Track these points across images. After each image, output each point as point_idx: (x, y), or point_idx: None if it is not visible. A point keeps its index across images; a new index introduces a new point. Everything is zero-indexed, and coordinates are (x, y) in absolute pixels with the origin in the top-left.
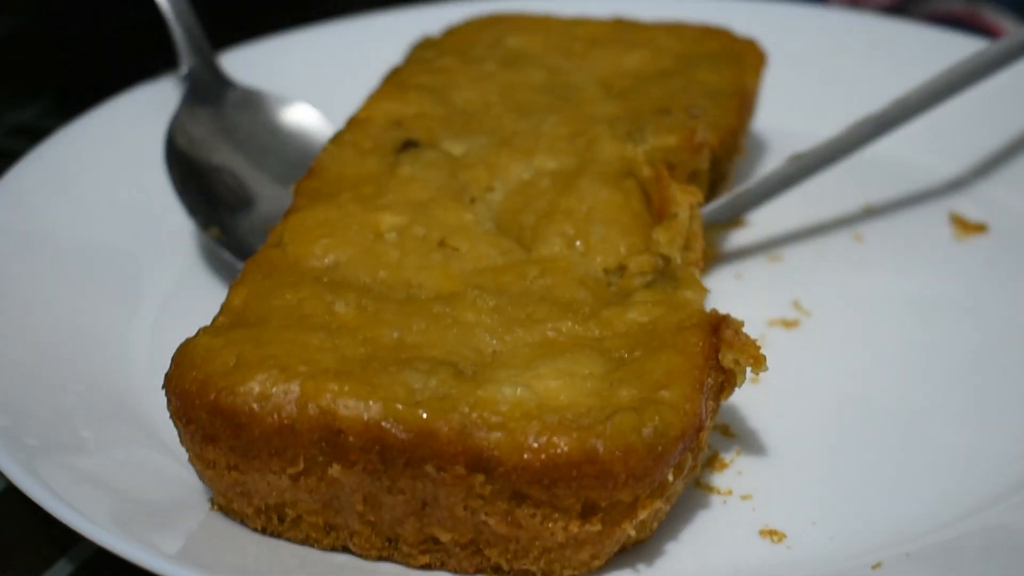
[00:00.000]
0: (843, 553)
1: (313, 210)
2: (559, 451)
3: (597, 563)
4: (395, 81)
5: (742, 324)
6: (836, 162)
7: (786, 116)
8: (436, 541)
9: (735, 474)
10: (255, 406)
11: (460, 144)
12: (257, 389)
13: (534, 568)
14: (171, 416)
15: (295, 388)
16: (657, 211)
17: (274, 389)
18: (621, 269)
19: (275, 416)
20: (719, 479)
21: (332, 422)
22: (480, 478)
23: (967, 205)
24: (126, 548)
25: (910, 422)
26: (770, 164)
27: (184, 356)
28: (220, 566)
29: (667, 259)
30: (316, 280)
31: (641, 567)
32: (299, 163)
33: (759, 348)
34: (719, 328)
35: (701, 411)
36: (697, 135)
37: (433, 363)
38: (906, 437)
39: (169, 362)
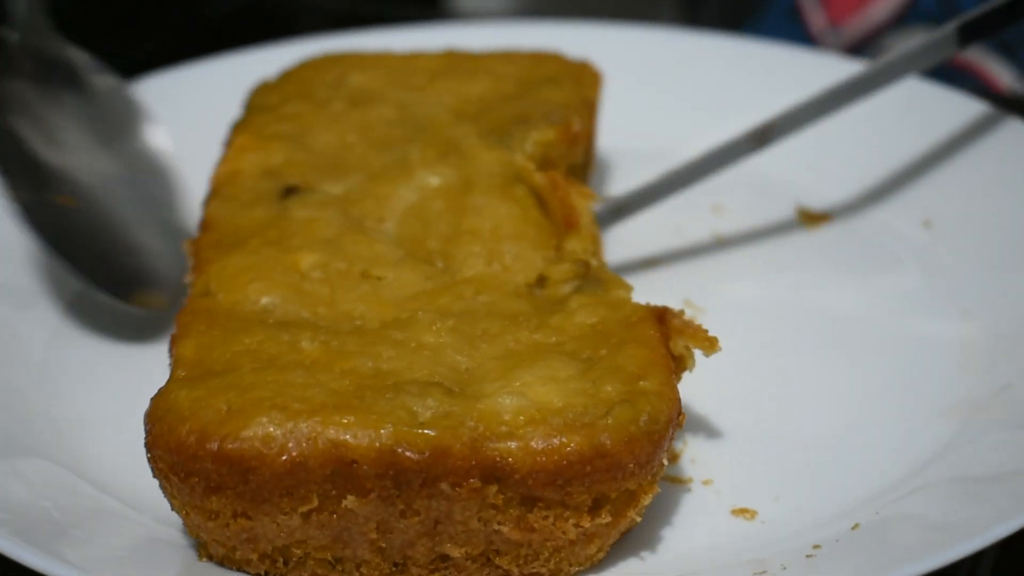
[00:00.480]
0: (814, 521)
1: (231, 258)
2: (570, 450)
3: (601, 555)
4: (249, 132)
5: (684, 312)
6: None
7: (624, 134)
8: (446, 558)
9: (689, 462)
10: (263, 449)
11: (337, 185)
12: (262, 432)
13: (543, 570)
14: (160, 473)
15: (300, 426)
16: (563, 219)
17: (278, 430)
18: (542, 280)
19: (285, 456)
20: (675, 469)
21: (344, 454)
22: (494, 488)
23: (810, 199)
24: None
25: (833, 397)
26: (616, 181)
27: (168, 411)
28: None
29: (586, 264)
30: (262, 323)
31: (644, 554)
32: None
33: (708, 332)
34: (664, 318)
35: (678, 394)
36: (573, 126)
37: (420, 385)
38: (835, 410)
39: (144, 421)
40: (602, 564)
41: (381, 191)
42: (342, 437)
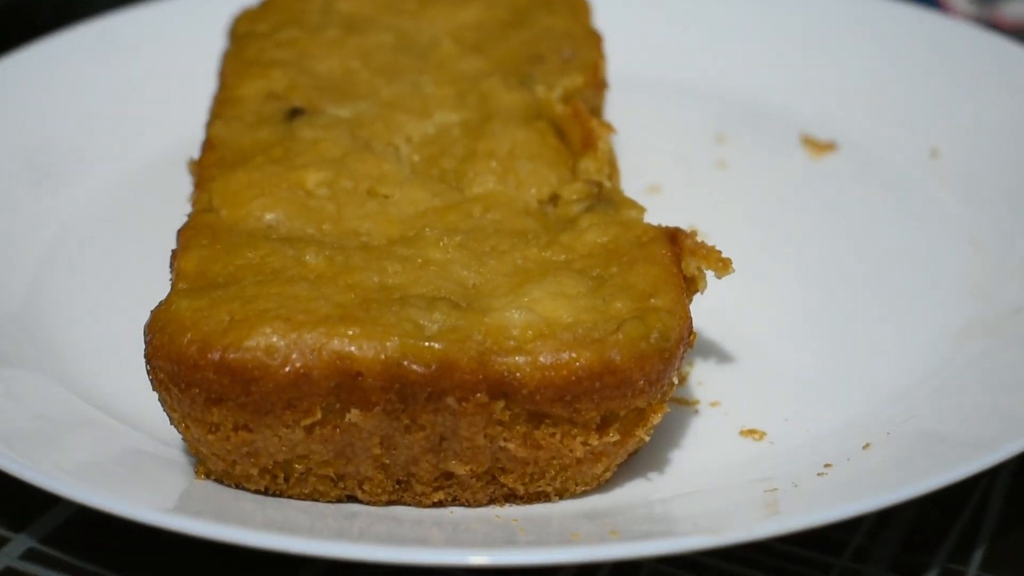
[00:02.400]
0: (825, 441)
1: (234, 174)
2: (579, 365)
3: (608, 475)
4: (245, 59)
5: (696, 233)
6: None
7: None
8: (450, 476)
9: (696, 384)
10: (266, 359)
11: (345, 109)
12: (265, 342)
13: (549, 489)
14: (160, 385)
15: (305, 337)
16: (581, 143)
17: (282, 340)
18: (555, 199)
19: (288, 367)
20: (683, 391)
21: (349, 366)
22: (500, 404)
23: (815, 128)
24: (120, 505)
25: (842, 320)
26: (623, 97)
27: (169, 321)
28: (228, 517)
29: (599, 185)
30: (266, 238)
31: (652, 475)
32: None
33: (721, 253)
34: (677, 238)
35: (690, 313)
36: (600, 72)
37: (427, 299)
38: (843, 334)
39: (144, 332)
40: (608, 484)
41: (394, 118)
42: (347, 348)
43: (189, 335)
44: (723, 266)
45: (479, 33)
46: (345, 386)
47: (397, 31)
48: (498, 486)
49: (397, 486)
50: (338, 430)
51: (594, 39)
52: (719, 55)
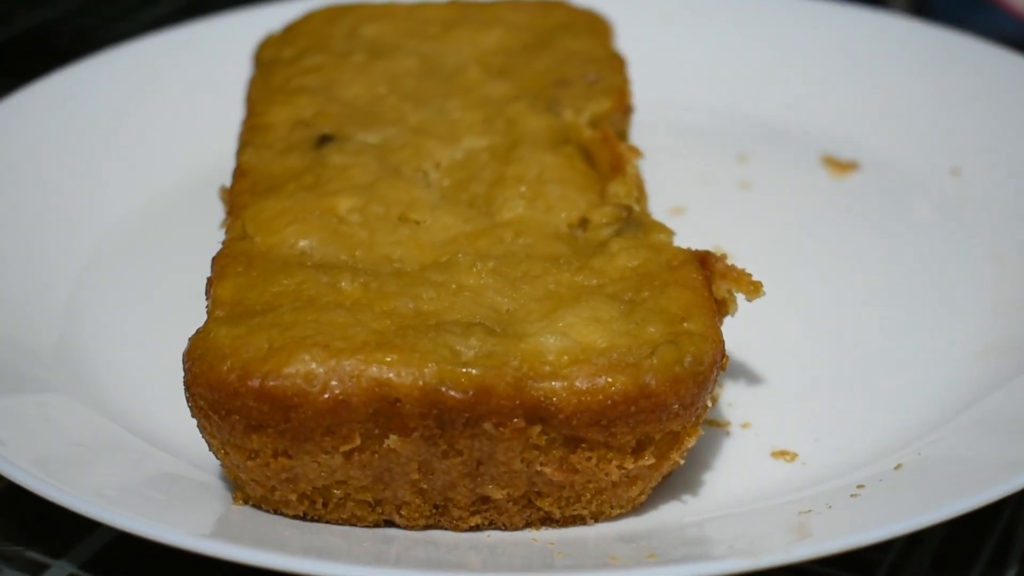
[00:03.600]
0: (856, 462)
1: (267, 201)
2: (615, 390)
3: (643, 497)
4: (272, 86)
5: (726, 257)
6: None
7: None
8: (487, 500)
9: (727, 406)
10: (306, 386)
11: (373, 135)
12: (304, 369)
13: (584, 512)
14: (200, 412)
15: (344, 363)
16: (610, 167)
17: (321, 367)
18: (584, 223)
19: (328, 394)
20: (714, 413)
21: (388, 392)
22: (537, 428)
23: (836, 147)
24: (158, 531)
25: (867, 340)
26: (645, 118)
27: (208, 349)
28: (267, 542)
29: (628, 209)
30: (300, 265)
31: (685, 497)
32: None
33: (751, 276)
34: (707, 262)
35: (722, 336)
36: (627, 96)
37: (463, 325)
38: (870, 353)
39: (183, 360)
40: (643, 507)
41: (422, 144)
42: (385, 375)
43: (229, 363)
44: (754, 289)
45: (503, 57)
46: (384, 412)
47: (422, 56)
48: (534, 510)
49: (434, 510)
50: (376, 456)
51: (617, 62)
52: (738, 76)
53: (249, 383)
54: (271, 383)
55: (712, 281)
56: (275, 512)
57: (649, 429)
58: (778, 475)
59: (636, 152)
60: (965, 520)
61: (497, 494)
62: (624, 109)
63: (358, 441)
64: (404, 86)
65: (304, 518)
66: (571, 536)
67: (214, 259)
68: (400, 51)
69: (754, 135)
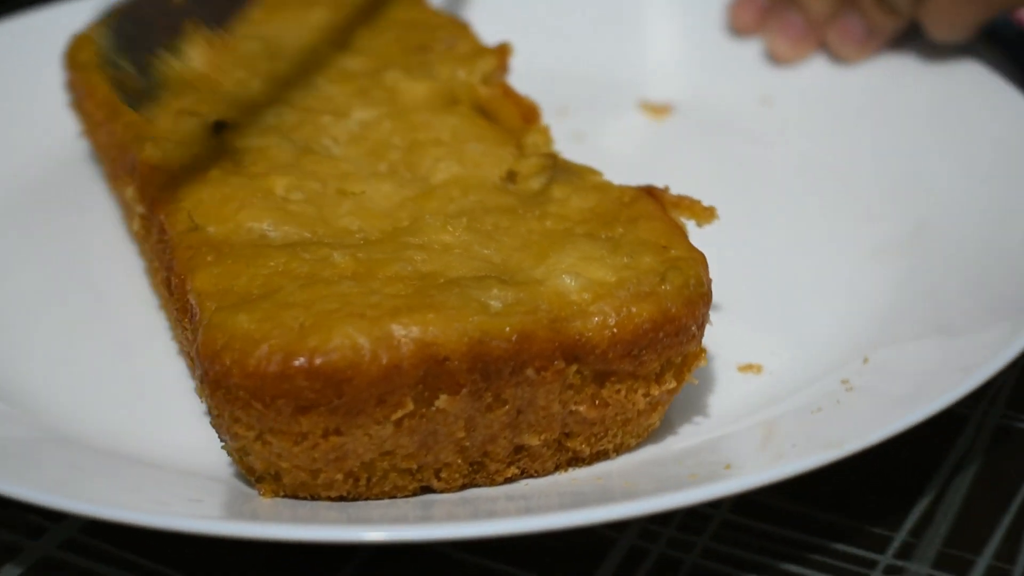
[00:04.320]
0: (816, 370)
1: (204, 188)
2: (643, 319)
3: (657, 423)
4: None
5: (668, 188)
6: None
7: None
8: (522, 449)
9: None
10: (355, 358)
11: (266, 117)
12: (349, 341)
13: (609, 446)
14: (237, 405)
15: (387, 330)
16: (522, 119)
17: (364, 337)
18: (512, 175)
19: (378, 362)
20: None
21: (436, 352)
22: (573, 368)
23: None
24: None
25: (768, 258)
26: None
27: (234, 339)
28: (313, 519)
29: (552, 156)
30: (270, 246)
31: (696, 419)
32: None
33: (702, 203)
34: (655, 194)
35: (704, 256)
36: (508, 53)
37: (474, 279)
38: (802, 271)
39: (202, 358)
40: (656, 434)
41: (317, 120)
42: (431, 335)
43: (265, 347)
44: (707, 215)
45: (340, 33)
46: (433, 373)
47: (262, 39)
48: (564, 452)
49: (471, 468)
50: (425, 419)
51: (460, 26)
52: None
53: (295, 364)
54: (319, 360)
55: (666, 211)
56: (313, 497)
57: (671, 353)
58: (752, 385)
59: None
60: (978, 495)
61: (534, 440)
62: (504, 67)
63: (411, 406)
64: (260, 69)
65: (345, 499)
66: (600, 471)
67: (173, 254)
68: (238, 37)
69: (568, 89)
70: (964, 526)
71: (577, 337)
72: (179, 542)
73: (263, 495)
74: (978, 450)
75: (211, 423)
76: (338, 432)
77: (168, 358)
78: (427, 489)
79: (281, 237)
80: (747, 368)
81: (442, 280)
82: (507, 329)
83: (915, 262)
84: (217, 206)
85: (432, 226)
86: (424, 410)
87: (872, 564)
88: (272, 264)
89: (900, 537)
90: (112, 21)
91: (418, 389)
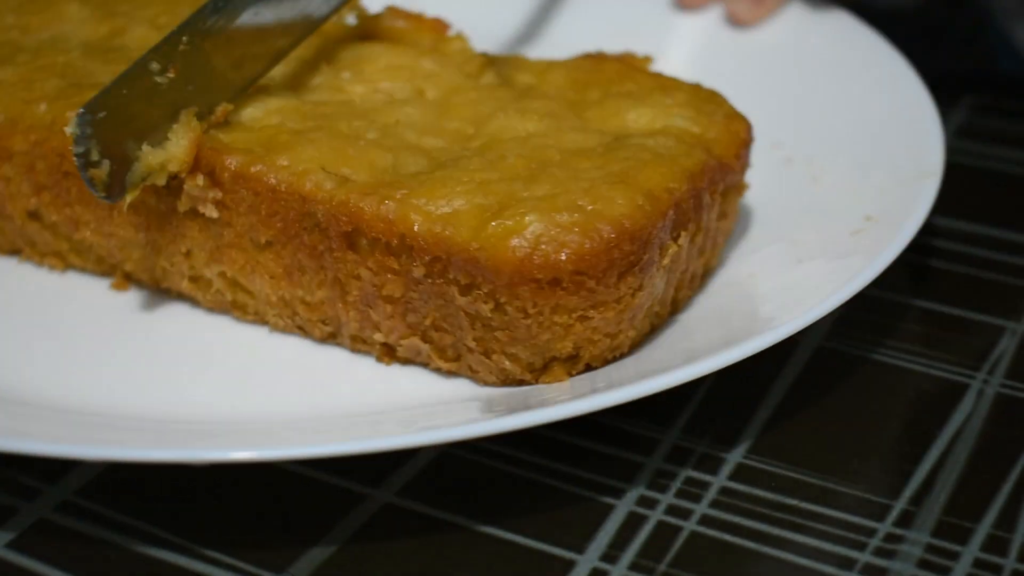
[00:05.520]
0: None
1: (315, 146)
2: (741, 134)
3: None
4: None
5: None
6: None
7: None
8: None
9: None
10: (643, 216)
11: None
12: (631, 204)
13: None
14: (565, 291)
15: (646, 188)
16: (432, 31)
17: (642, 199)
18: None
19: (659, 213)
20: None
21: (679, 196)
22: (720, 187)
23: None
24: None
25: None
26: None
27: (545, 234)
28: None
29: (485, 53)
30: (443, 168)
31: None
32: None
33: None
34: (600, 57)
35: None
36: None
37: (627, 141)
38: None
39: (532, 261)
40: None
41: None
42: (671, 184)
43: (577, 231)
44: (646, 61)
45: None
46: (680, 213)
47: (82, 43)
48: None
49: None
50: (678, 259)
51: None
52: None
53: (613, 234)
54: (627, 223)
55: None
56: (588, 368)
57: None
58: None
59: None
60: (978, 465)
61: (700, 266)
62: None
63: (674, 247)
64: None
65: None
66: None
67: (344, 210)
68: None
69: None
70: (963, 495)
71: (720, 158)
72: (176, 502)
73: (546, 381)
74: (977, 419)
75: (486, 347)
76: (640, 287)
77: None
78: None
79: (429, 164)
80: None
81: (604, 148)
82: (702, 159)
83: None
84: (345, 158)
85: (510, 126)
86: (678, 250)
87: (871, 532)
88: (468, 178)
89: (899, 505)
90: (87, 112)
91: (672, 234)
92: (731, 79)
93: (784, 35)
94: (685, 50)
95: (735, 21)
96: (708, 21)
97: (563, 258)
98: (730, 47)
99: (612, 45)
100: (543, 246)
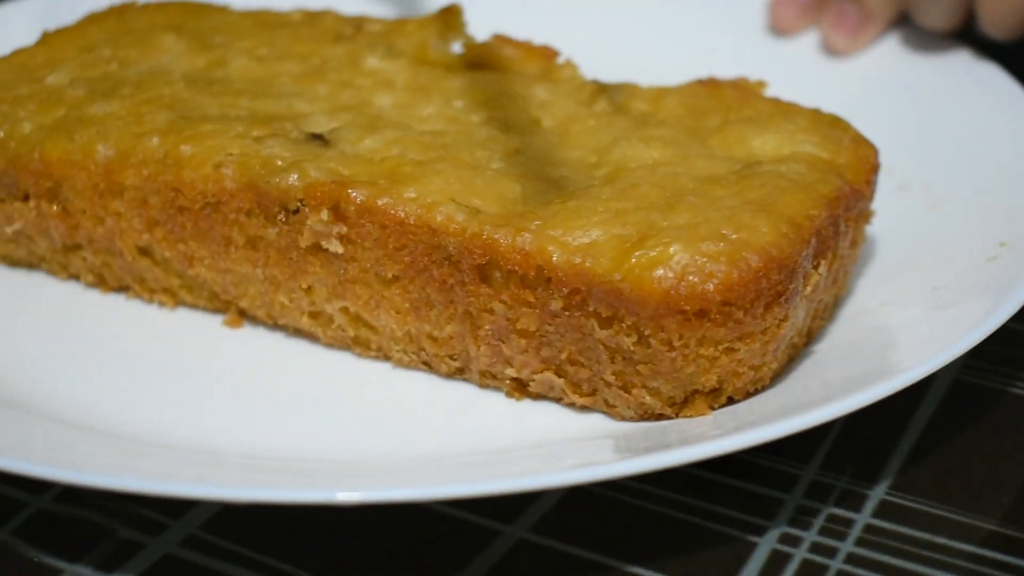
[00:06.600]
0: None
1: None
2: (870, 160)
3: None
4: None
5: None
6: None
7: None
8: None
9: None
10: (787, 243)
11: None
12: (775, 232)
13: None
14: (712, 323)
15: (789, 215)
16: (542, 58)
17: (784, 226)
18: (592, 100)
19: (802, 241)
20: None
21: (819, 222)
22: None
23: None
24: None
25: None
26: None
27: (692, 264)
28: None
29: (595, 81)
30: (553, 203)
31: None
32: None
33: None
34: (713, 81)
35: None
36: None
37: (757, 169)
38: None
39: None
40: None
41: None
42: (813, 212)
43: (724, 260)
44: (759, 84)
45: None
46: (821, 240)
47: (183, 75)
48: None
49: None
50: (821, 287)
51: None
52: None
53: (759, 264)
54: (774, 251)
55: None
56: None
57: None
58: None
59: None
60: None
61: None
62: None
63: (816, 276)
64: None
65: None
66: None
67: (472, 243)
68: (151, 80)
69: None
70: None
71: (852, 184)
72: (305, 539)
73: (687, 415)
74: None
75: (626, 381)
76: (786, 317)
77: None
78: None
79: (558, 194)
80: None
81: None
82: (837, 185)
83: None
84: (473, 188)
85: (634, 154)
86: (819, 279)
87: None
88: (602, 208)
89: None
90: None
91: (813, 262)
92: (831, 105)
93: (885, 61)
94: (775, 75)
95: (833, 51)
96: (803, 46)
97: (711, 289)
98: (828, 72)
99: (704, 70)
100: (690, 277)
